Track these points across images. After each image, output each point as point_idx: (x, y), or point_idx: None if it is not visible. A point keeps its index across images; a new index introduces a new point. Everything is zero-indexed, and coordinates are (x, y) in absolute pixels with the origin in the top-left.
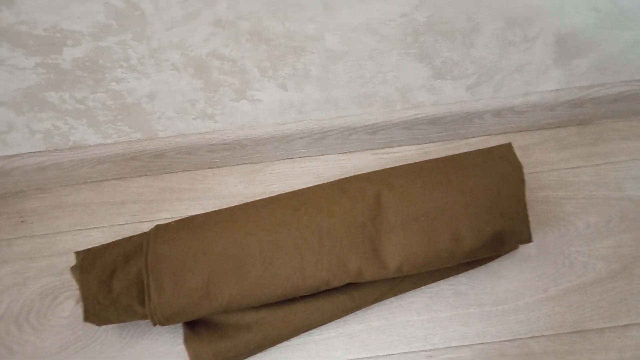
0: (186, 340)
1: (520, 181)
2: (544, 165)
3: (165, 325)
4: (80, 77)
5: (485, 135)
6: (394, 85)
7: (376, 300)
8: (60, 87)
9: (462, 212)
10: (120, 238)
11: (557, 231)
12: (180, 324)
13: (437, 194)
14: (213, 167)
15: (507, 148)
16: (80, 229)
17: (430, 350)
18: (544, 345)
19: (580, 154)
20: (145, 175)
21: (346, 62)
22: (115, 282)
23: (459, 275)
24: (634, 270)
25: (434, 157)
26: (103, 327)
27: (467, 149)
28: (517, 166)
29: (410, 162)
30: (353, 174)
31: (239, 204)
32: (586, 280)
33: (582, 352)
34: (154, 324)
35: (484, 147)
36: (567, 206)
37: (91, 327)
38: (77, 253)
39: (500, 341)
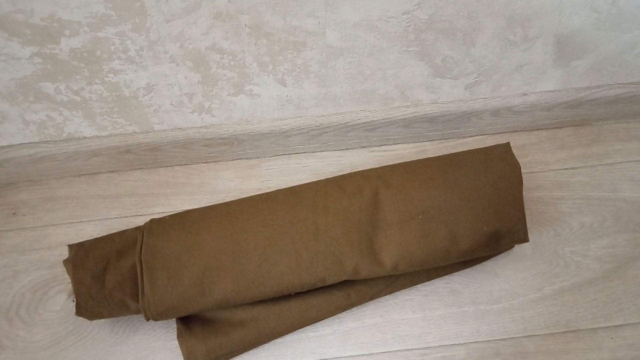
0: (179, 336)
1: (518, 181)
2: (540, 165)
3: (158, 320)
4: (77, 68)
5: (482, 134)
6: (393, 83)
7: (371, 297)
8: (56, 77)
9: (460, 211)
10: (113, 232)
11: (552, 231)
12: (174, 320)
13: (435, 193)
14: (209, 162)
15: (505, 148)
16: (72, 222)
17: (425, 348)
18: (538, 344)
19: (577, 154)
20: (140, 168)
21: (346, 58)
22: (108, 277)
23: (454, 273)
24: (627, 271)
25: (432, 156)
26: (95, 321)
27: (465, 148)
28: (515, 166)
29: (408, 160)
30: (350, 171)
31: (234, 199)
32: (580, 280)
33: (576, 352)
34: (147, 319)
35: (481, 147)
36: (563, 206)
37: (83, 322)
38: (70, 246)
39: (495, 340)
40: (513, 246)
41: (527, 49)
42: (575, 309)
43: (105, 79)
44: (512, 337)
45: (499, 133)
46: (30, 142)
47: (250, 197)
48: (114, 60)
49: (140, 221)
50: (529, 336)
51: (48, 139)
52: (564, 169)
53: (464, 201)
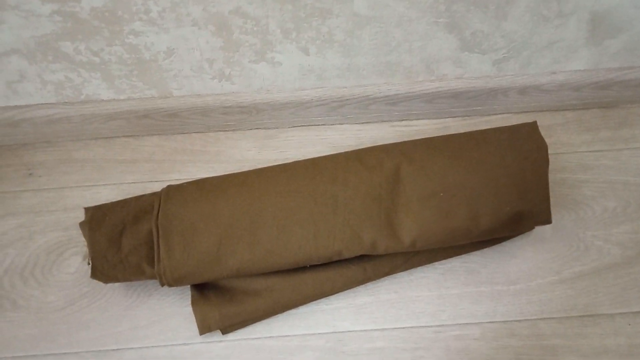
0: (194, 303)
1: (544, 162)
2: (565, 146)
3: (173, 286)
4: (97, 28)
5: (507, 112)
6: (419, 56)
7: (387, 273)
8: (76, 37)
9: (482, 190)
10: (129, 197)
11: (574, 214)
12: (188, 287)
13: (458, 170)
14: (226, 130)
15: (532, 127)
16: (88, 185)
17: (439, 326)
18: (554, 327)
19: (603, 137)
20: (158, 134)
21: (372, 28)
22: (124, 241)
23: (472, 253)
24: None
25: (454, 132)
26: (109, 285)
27: (488, 126)
28: (542, 146)
29: (431, 136)
30: (370, 145)
31: (251, 168)
32: (600, 264)
33: (592, 336)
34: (162, 285)
35: (506, 125)
36: (586, 189)
37: (97, 285)
38: (87, 209)
39: (510, 321)
40: (534, 227)
41: (560, 25)
42: (594, 293)
43: (125, 40)
44: (527, 319)
45: (525, 112)
46: (48, 103)
47: (268, 167)
48: (135, 21)
49: (157, 187)
50: (545, 319)
51: (66, 100)
52: (590, 152)
53: (488, 180)
